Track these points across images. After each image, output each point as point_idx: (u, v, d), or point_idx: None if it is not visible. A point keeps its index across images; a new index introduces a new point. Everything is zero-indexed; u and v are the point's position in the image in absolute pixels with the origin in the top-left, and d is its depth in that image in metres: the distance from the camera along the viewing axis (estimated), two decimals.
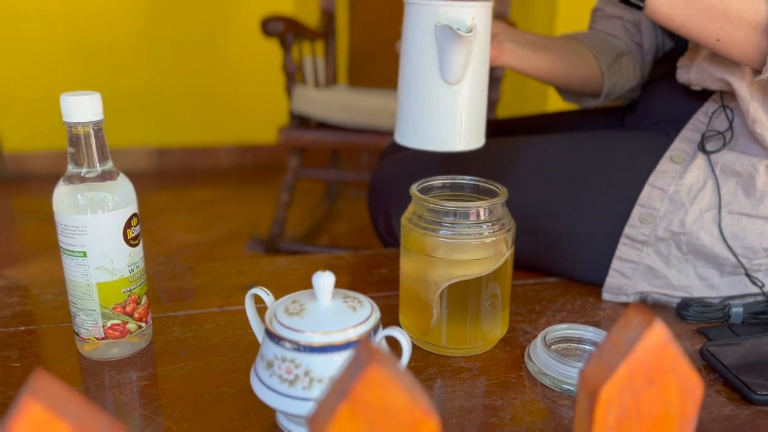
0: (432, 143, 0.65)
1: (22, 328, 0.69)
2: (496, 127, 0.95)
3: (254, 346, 0.65)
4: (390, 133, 1.65)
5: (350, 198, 2.36)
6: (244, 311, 0.72)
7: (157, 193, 2.42)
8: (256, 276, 0.81)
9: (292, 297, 0.55)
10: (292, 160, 1.79)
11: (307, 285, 0.81)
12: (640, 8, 0.62)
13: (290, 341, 0.50)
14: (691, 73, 0.69)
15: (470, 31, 0.60)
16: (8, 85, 2.46)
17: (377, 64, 2.11)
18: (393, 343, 0.56)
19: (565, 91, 0.89)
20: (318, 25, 2.04)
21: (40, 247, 1.92)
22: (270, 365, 0.51)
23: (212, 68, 2.61)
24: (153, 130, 2.64)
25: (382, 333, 0.52)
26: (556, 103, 2.13)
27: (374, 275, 0.82)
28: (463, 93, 0.63)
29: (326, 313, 0.52)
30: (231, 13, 2.56)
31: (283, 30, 1.65)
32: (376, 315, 0.53)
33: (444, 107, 0.64)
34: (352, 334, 0.50)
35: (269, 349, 0.51)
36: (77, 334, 0.62)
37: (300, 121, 1.78)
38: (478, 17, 0.62)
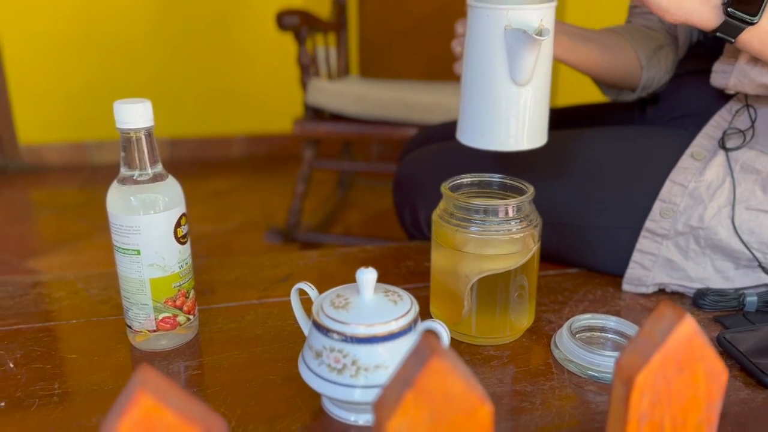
0: (499, 143, 0.66)
1: (74, 321, 0.73)
2: None
3: (295, 336, 0.69)
4: (405, 125, 1.68)
5: (362, 187, 2.39)
6: (282, 303, 0.76)
7: None
8: (290, 269, 0.84)
9: (336, 291, 0.58)
10: (307, 152, 1.83)
11: (338, 276, 0.85)
12: (731, 42, 0.64)
13: (338, 333, 0.54)
14: (730, 78, 0.71)
15: (540, 33, 0.61)
16: (23, 78, 2.49)
17: (388, 54, 2.14)
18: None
19: (605, 85, 0.91)
20: (329, 16, 2.06)
21: (60, 239, 1.97)
22: (319, 355, 0.55)
23: (224, 58, 2.64)
24: (165, 121, 2.66)
25: (422, 325, 0.56)
26: (564, 98, 2.15)
27: (401, 267, 0.85)
28: (531, 92, 0.65)
29: (370, 307, 0.55)
30: (242, 3, 2.58)
31: (298, 24, 1.68)
32: (416, 308, 0.57)
33: (513, 108, 0.65)
34: (394, 326, 0.54)
35: (318, 340, 0.55)
36: (129, 327, 0.66)
37: (314, 112, 1.81)
38: (547, 18, 0.63)
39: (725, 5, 0.61)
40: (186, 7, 2.54)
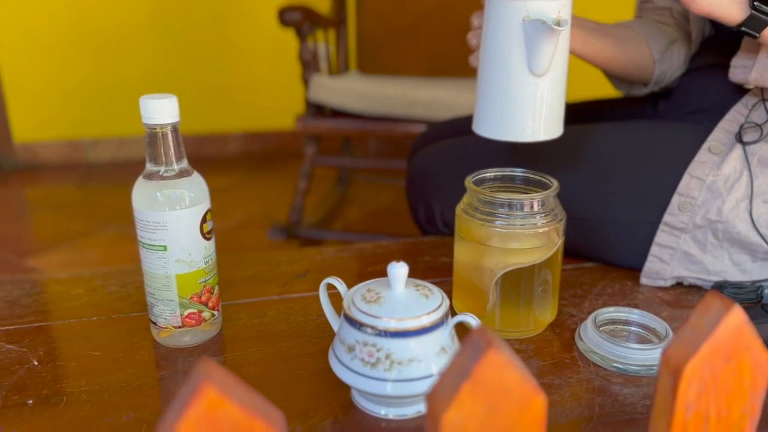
0: (516, 134, 0.67)
1: (94, 318, 0.72)
2: None
3: (319, 331, 0.69)
4: (408, 121, 1.68)
5: (362, 183, 2.39)
6: (302, 298, 0.76)
7: None
8: (307, 265, 0.84)
9: (366, 286, 0.58)
10: (309, 148, 1.82)
11: (355, 271, 0.85)
12: (755, 37, 0.65)
13: (371, 327, 0.54)
14: (751, 72, 0.71)
15: (559, 24, 0.62)
16: (18, 75, 2.47)
17: (386, 51, 2.14)
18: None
19: (618, 79, 0.91)
20: (329, 12, 2.06)
21: (59, 237, 1.95)
22: (351, 349, 0.55)
23: (219, 55, 2.62)
24: None
25: (456, 319, 0.56)
26: (571, 93, 2.15)
27: (419, 263, 0.86)
28: (548, 83, 0.66)
29: (402, 301, 0.55)
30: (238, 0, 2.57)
31: (300, 20, 1.67)
32: (446, 302, 0.57)
33: (530, 98, 0.66)
34: (426, 320, 0.54)
35: (350, 335, 0.55)
36: (154, 323, 0.66)
37: (315, 109, 1.80)
38: (564, 9, 0.64)
39: (751, 0, 0.61)
40: (182, 3, 2.52)
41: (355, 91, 1.72)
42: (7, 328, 0.70)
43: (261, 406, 0.34)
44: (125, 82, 2.55)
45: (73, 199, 2.28)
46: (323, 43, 1.96)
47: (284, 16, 1.67)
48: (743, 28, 0.63)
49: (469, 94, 1.66)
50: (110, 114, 2.58)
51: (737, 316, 0.38)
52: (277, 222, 1.86)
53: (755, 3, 0.61)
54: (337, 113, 1.78)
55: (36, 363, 0.64)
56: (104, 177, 2.49)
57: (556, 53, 0.65)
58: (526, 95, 0.66)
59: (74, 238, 1.95)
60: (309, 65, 1.77)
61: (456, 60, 2.12)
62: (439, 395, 0.36)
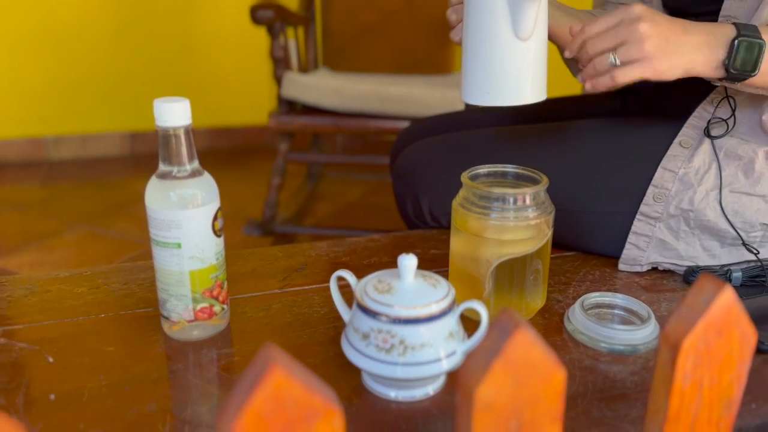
0: (504, 98, 0.71)
1: (102, 315, 0.74)
2: (499, 113, 1.03)
3: (324, 322, 0.73)
4: (380, 117, 1.72)
5: (331, 179, 2.42)
6: (303, 291, 0.80)
7: (133, 178, 2.41)
8: (304, 259, 0.87)
9: (376, 277, 0.62)
10: (282, 145, 1.84)
11: (351, 265, 0.88)
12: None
13: (386, 315, 0.57)
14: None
15: None
16: None
17: (354, 48, 2.17)
18: None
19: (575, 63, 0.96)
20: (297, 8, 2.07)
21: (26, 237, 1.92)
22: (366, 336, 0.59)
23: (183, 50, 2.61)
24: (125, 115, 2.62)
25: (464, 305, 0.60)
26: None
27: None
28: (533, 47, 0.70)
29: (412, 291, 0.59)
30: None
31: (272, 18, 1.69)
32: (453, 292, 0.61)
33: (517, 62, 0.70)
34: (435, 308, 0.58)
35: (364, 323, 0.59)
36: (167, 318, 0.68)
37: (288, 105, 1.82)
38: None
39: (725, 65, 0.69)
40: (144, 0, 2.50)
41: (328, 88, 1.75)
42: (16, 327, 0.71)
43: (318, 385, 0.37)
44: (87, 79, 2.51)
45: (38, 198, 2.24)
46: (293, 40, 1.97)
47: (256, 14, 1.68)
48: (723, 83, 0.70)
49: (441, 90, 1.70)
50: (72, 111, 2.54)
51: (728, 295, 0.43)
52: (252, 218, 1.87)
53: (731, 70, 0.69)
54: (309, 109, 1.80)
55: (51, 360, 0.66)
56: (68, 175, 2.45)
57: (539, 17, 0.69)
58: (512, 60, 0.70)
59: (42, 237, 1.92)
60: (281, 62, 1.78)
61: (424, 57, 2.17)
62: (471, 372, 0.40)
